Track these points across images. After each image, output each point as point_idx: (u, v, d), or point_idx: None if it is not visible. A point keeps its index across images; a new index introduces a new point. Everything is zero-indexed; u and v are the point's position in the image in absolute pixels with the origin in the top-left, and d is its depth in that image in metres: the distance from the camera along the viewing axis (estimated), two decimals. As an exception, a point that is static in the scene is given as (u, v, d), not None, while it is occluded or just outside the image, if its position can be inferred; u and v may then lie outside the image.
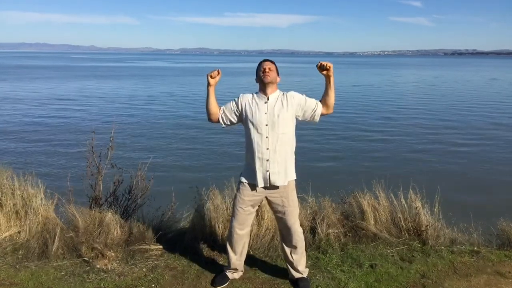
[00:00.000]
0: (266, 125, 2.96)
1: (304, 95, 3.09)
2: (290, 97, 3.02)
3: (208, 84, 3.09)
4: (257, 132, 2.97)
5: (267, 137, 2.96)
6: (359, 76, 51.09)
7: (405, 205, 4.20)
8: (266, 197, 3.12)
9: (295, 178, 3.15)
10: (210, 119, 3.17)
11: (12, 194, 4.11)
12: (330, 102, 3.06)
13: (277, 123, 2.95)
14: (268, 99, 3.01)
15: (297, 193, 3.24)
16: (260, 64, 3.07)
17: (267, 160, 2.96)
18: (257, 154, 2.98)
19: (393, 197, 4.27)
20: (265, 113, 2.97)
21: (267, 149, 2.96)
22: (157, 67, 74.66)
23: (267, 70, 3.01)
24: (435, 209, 4.16)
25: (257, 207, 3.23)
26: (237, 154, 10.55)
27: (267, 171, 2.98)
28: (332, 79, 3.02)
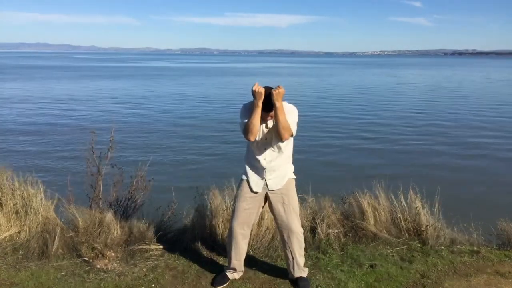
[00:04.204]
0: (266, 139, 3.03)
1: (289, 113, 2.94)
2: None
3: (259, 99, 2.84)
4: (257, 143, 3.04)
5: (265, 149, 3.06)
6: (360, 77, 51.10)
7: (405, 205, 4.20)
8: (267, 195, 3.14)
9: (295, 177, 3.20)
10: (250, 137, 2.92)
11: (12, 194, 4.11)
12: (277, 126, 2.87)
13: (275, 137, 3.00)
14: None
15: (297, 193, 3.25)
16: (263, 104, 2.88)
17: (264, 169, 3.08)
18: (255, 163, 3.10)
19: (393, 197, 4.27)
20: (266, 127, 3.01)
21: (265, 159, 3.07)
22: (160, 67, 74.64)
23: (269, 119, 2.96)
24: (435, 209, 4.17)
25: (261, 208, 3.24)
26: (238, 154, 10.54)
27: (263, 178, 3.09)
28: (276, 104, 2.81)
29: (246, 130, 2.91)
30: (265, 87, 2.88)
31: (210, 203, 4.12)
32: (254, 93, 2.84)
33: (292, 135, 2.97)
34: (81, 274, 3.41)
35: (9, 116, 17.37)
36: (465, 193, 8.04)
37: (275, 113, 2.86)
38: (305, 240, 3.30)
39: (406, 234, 4.06)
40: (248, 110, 2.96)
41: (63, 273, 3.42)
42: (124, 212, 4.34)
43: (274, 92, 2.81)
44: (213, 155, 11.32)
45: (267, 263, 3.60)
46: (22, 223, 3.99)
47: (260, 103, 2.85)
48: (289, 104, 3.01)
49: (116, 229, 3.92)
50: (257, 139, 2.99)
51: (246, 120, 2.91)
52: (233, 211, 3.19)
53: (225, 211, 4.00)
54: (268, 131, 3.02)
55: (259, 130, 2.99)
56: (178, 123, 16.23)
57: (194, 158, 11.03)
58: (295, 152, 3.24)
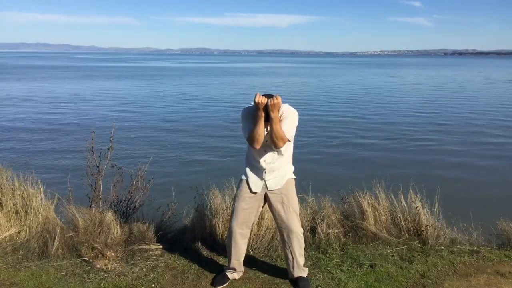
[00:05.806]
0: (266, 141, 3.02)
1: (289, 118, 2.97)
2: (283, 116, 2.98)
3: (263, 109, 2.88)
4: None
5: (265, 151, 3.07)
6: (361, 77, 51.07)
7: (405, 205, 4.19)
8: (266, 195, 3.14)
9: (294, 177, 3.20)
10: (256, 146, 2.97)
11: (12, 194, 4.11)
12: (271, 136, 2.92)
13: None
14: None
15: (297, 193, 3.25)
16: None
17: (264, 170, 3.10)
18: (255, 164, 3.12)
19: (393, 197, 4.27)
20: (266, 130, 3.01)
21: (265, 161, 3.09)
22: (161, 67, 74.63)
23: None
24: (435, 209, 4.16)
25: (261, 208, 3.24)
26: (238, 155, 10.55)
27: (263, 179, 3.11)
28: (271, 115, 2.86)
29: (251, 139, 2.95)
30: (265, 95, 2.90)
31: (210, 203, 4.11)
32: (257, 104, 2.87)
33: (289, 141, 2.98)
34: (81, 274, 3.41)
35: (10, 115, 17.38)
36: (465, 193, 8.04)
37: (269, 123, 2.91)
38: (305, 240, 3.30)
39: (406, 234, 4.06)
40: (249, 114, 2.98)
41: (63, 273, 3.42)
42: (124, 212, 4.34)
43: (270, 103, 2.85)
44: (213, 155, 11.33)
45: (267, 263, 3.60)
46: (22, 223, 3.99)
47: (263, 114, 2.88)
48: (291, 108, 3.02)
49: (116, 229, 3.92)
50: None
51: (251, 131, 2.94)
52: (233, 211, 3.19)
53: (225, 211, 4.00)
54: (268, 134, 3.03)
55: None
56: (178, 123, 16.23)
57: (194, 158, 11.04)
58: (296, 152, 3.24)
